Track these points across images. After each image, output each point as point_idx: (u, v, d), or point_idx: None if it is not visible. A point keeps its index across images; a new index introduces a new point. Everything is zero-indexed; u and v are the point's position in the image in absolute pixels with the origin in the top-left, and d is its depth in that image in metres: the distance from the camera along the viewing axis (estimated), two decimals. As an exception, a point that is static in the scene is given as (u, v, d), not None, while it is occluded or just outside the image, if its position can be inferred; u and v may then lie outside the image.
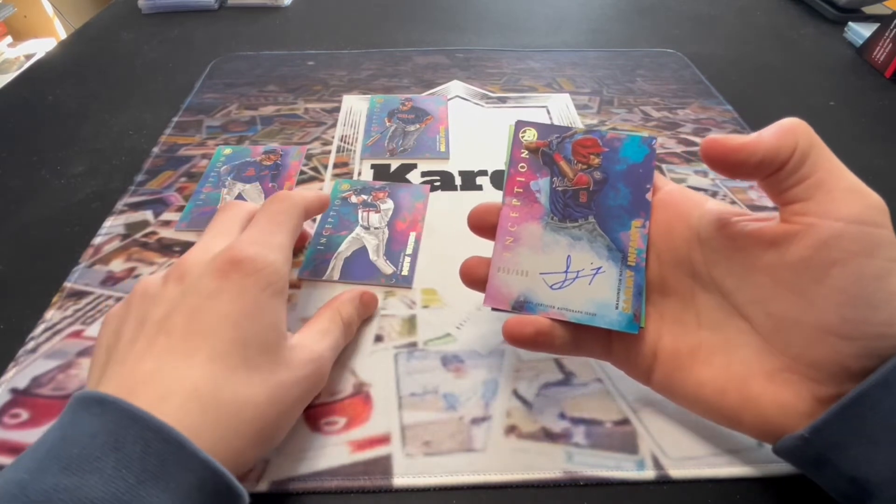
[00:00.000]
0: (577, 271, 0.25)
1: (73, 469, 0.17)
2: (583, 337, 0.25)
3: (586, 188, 0.26)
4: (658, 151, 0.45)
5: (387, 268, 0.34)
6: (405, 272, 0.34)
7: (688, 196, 0.26)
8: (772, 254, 0.21)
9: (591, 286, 0.25)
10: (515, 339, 0.24)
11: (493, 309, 0.26)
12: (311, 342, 0.25)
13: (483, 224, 0.27)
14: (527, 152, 0.27)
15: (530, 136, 0.27)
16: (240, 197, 0.40)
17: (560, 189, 0.26)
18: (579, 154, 0.27)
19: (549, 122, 0.49)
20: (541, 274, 0.25)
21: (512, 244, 0.26)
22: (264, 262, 0.24)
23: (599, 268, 0.25)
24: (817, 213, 0.20)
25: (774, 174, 0.21)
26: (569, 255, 0.26)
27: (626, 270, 0.25)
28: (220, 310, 0.22)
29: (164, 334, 0.22)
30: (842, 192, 0.20)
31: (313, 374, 0.25)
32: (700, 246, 0.24)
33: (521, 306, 0.25)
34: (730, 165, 0.22)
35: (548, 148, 0.27)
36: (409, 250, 0.35)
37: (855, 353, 0.20)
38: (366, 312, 0.31)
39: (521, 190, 0.26)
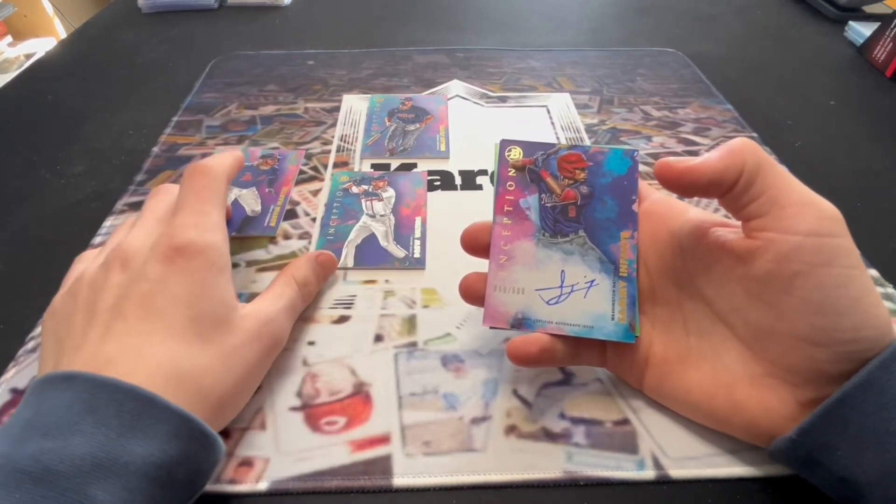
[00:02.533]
0: (572, 285, 0.26)
1: (54, 434, 0.18)
2: (579, 348, 0.26)
3: (574, 203, 0.27)
4: (658, 151, 0.45)
5: (398, 252, 0.35)
6: (417, 254, 0.35)
7: (672, 205, 0.26)
8: (741, 267, 0.22)
9: (586, 299, 0.25)
10: (521, 359, 0.25)
11: (493, 327, 0.26)
12: (263, 307, 0.27)
13: (476, 244, 0.27)
14: (513, 170, 0.27)
15: (516, 154, 0.28)
16: (236, 202, 0.39)
17: (549, 205, 0.27)
18: (565, 170, 0.27)
19: (549, 121, 0.49)
20: (537, 290, 0.26)
21: (506, 262, 0.26)
22: (205, 244, 0.24)
23: (593, 280, 0.26)
24: (775, 229, 0.21)
25: (728, 193, 0.22)
26: (563, 270, 0.26)
27: (619, 281, 0.26)
28: (172, 292, 0.23)
29: (120, 319, 0.22)
30: (795, 206, 0.21)
31: (266, 335, 0.26)
32: (683, 255, 0.25)
33: (520, 323, 0.25)
34: (681, 187, 0.23)
35: (534, 165, 0.27)
36: (417, 234, 0.36)
37: (829, 359, 0.20)
38: (324, 273, 0.31)
39: (510, 208, 0.27)
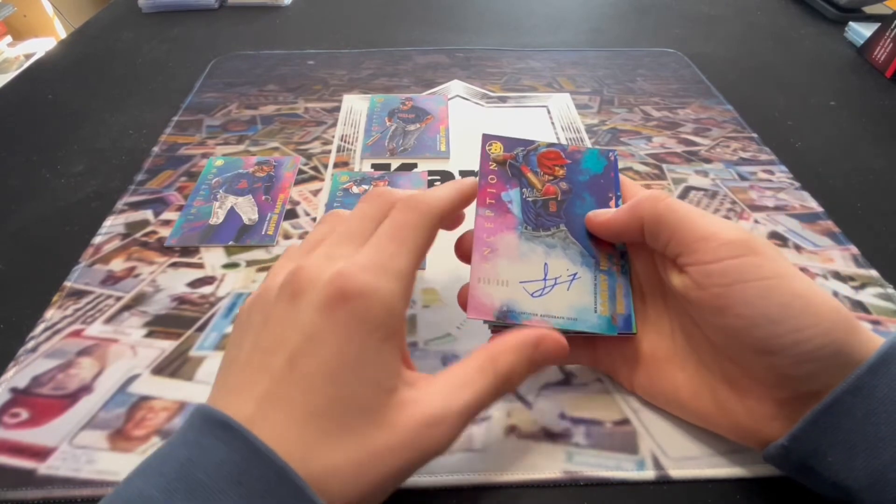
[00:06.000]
0: (555, 278, 0.26)
1: (199, 497, 0.17)
2: (571, 345, 0.25)
3: (554, 198, 0.28)
4: (658, 151, 0.45)
5: None
6: None
7: None
8: (685, 295, 0.23)
9: (569, 292, 0.26)
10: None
11: (486, 324, 0.25)
12: (438, 398, 0.20)
13: (468, 253, 0.26)
14: (494, 164, 0.28)
15: (497, 149, 0.28)
16: (231, 211, 0.39)
17: (530, 199, 0.27)
18: (544, 166, 0.28)
19: (549, 121, 0.49)
20: (521, 282, 0.26)
21: (490, 254, 0.26)
22: (375, 297, 0.20)
23: (575, 274, 0.26)
24: (689, 263, 0.23)
25: (643, 241, 0.25)
26: (546, 263, 0.26)
27: (600, 275, 0.26)
28: (321, 356, 0.19)
29: (266, 373, 0.20)
30: (696, 242, 0.22)
31: (424, 444, 0.20)
32: (660, 260, 0.25)
33: (505, 315, 0.25)
34: (608, 237, 0.26)
35: (514, 160, 0.28)
36: None
37: (787, 363, 0.21)
38: (544, 362, 0.23)
39: (493, 201, 0.27)
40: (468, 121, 0.49)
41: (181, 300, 0.32)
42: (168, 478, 0.17)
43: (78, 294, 0.33)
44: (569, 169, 0.28)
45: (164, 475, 0.18)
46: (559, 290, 0.26)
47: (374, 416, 0.19)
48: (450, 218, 0.25)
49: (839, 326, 0.20)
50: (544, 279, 0.26)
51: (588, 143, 0.46)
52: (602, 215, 0.26)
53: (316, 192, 0.40)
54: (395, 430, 0.19)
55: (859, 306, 0.32)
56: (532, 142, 0.29)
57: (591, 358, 0.27)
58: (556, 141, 0.46)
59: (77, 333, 0.30)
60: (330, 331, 0.20)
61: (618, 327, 0.25)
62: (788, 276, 0.21)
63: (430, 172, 0.42)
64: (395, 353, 0.21)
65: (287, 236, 0.37)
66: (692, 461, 0.25)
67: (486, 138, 0.29)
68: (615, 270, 0.26)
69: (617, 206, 0.27)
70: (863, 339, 0.21)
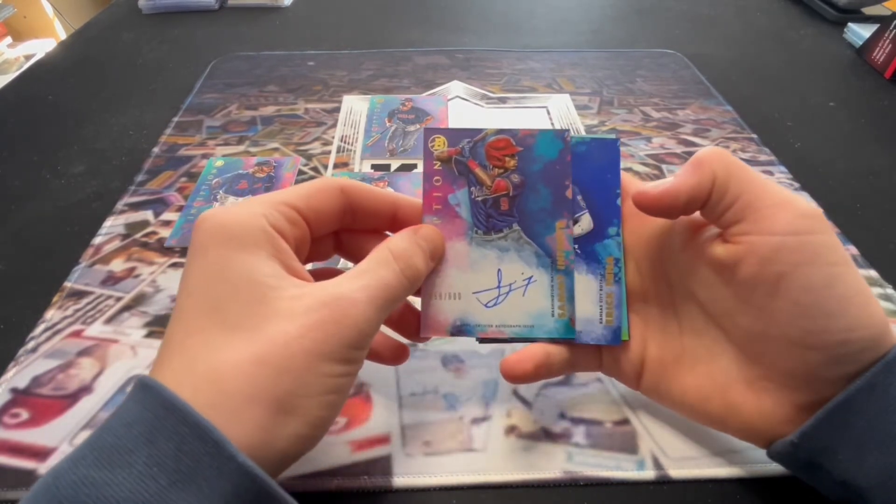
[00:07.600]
0: (510, 284, 0.25)
1: (105, 461, 0.16)
2: (575, 355, 0.25)
3: (506, 194, 0.25)
4: (658, 152, 0.45)
5: None
6: None
7: None
8: (727, 272, 0.21)
9: (525, 297, 0.24)
10: (517, 377, 0.24)
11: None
12: (331, 283, 0.21)
13: None
14: (439, 163, 0.25)
15: (440, 145, 0.25)
16: None
17: (480, 199, 0.25)
18: (493, 158, 0.25)
19: (549, 121, 0.49)
20: (474, 293, 0.24)
21: (440, 267, 0.25)
22: (223, 218, 0.21)
23: (531, 277, 0.25)
24: (754, 231, 0.20)
25: (705, 206, 0.21)
26: (499, 269, 0.25)
27: (557, 276, 0.25)
28: (186, 281, 0.20)
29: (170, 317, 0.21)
30: (771, 207, 0.20)
31: (329, 320, 0.19)
32: (672, 255, 0.24)
33: (459, 330, 0.24)
34: (662, 211, 0.22)
35: (460, 155, 0.25)
36: None
37: (823, 361, 0.20)
38: (430, 247, 0.24)
39: (439, 206, 0.25)
40: (468, 122, 0.49)
41: (181, 300, 0.32)
42: (81, 447, 0.17)
43: (78, 294, 0.33)
44: (520, 158, 0.25)
45: (79, 446, 0.17)
46: (514, 297, 0.24)
47: (263, 309, 0.19)
48: (367, 208, 0.24)
49: (885, 332, 0.20)
50: (498, 287, 0.25)
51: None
52: (659, 186, 0.22)
53: (316, 193, 0.40)
54: (292, 316, 0.19)
55: (859, 306, 0.32)
56: (479, 131, 0.25)
57: (595, 364, 0.26)
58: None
59: (77, 334, 0.30)
60: (192, 257, 0.21)
61: (624, 338, 0.24)
62: (850, 266, 0.20)
63: (430, 173, 0.42)
64: (269, 261, 0.20)
65: (287, 237, 0.37)
66: (692, 461, 0.25)
67: (428, 133, 0.25)
68: (572, 269, 0.25)
69: (570, 196, 0.25)
70: (890, 340, 0.20)
